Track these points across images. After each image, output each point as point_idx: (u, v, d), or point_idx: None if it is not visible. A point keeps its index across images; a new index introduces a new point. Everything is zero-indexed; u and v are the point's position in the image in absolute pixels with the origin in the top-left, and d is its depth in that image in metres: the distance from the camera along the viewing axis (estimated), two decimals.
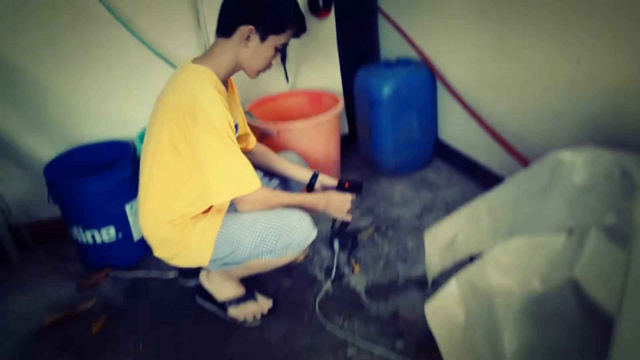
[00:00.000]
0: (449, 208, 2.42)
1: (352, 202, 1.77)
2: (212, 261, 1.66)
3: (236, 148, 1.52)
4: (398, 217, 2.43)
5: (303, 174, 1.93)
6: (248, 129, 1.92)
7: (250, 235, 1.57)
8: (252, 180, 1.56)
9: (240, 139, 1.87)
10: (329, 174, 2.57)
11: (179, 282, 2.10)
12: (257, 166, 1.95)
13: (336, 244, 2.14)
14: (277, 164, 1.94)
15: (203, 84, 1.48)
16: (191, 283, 2.06)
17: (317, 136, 2.44)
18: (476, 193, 1.69)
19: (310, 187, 1.96)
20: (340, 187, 1.92)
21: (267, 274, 2.06)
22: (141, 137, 2.34)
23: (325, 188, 1.92)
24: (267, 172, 1.98)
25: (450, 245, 1.61)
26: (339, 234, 1.99)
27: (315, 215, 1.79)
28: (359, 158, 2.97)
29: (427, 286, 1.95)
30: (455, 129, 2.70)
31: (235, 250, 1.60)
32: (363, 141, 2.87)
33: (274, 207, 1.62)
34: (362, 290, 1.99)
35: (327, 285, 2.02)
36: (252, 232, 1.57)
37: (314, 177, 1.91)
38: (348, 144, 3.03)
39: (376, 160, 2.79)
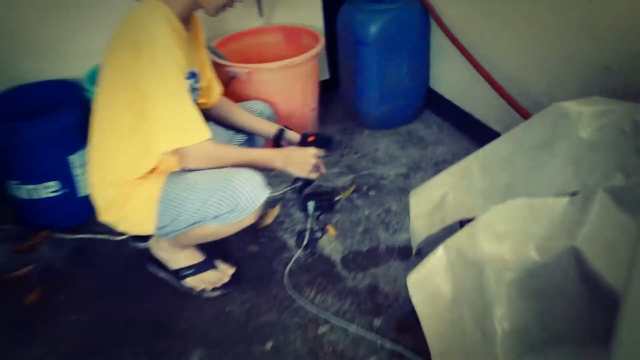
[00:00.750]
0: (439, 167, 2.41)
1: (318, 157, 1.74)
2: (158, 229, 1.65)
3: (182, 92, 1.48)
4: (381, 177, 2.42)
5: (267, 128, 1.93)
6: (213, 80, 1.86)
7: (190, 198, 1.56)
8: (198, 130, 1.52)
9: (202, 92, 1.82)
10: (305, 125, 2.53)
11: (130, 245, 2.07)
12: (221, 122, 1.93)
13: (311, 206, 2.12)
14: (240, 116, 1.92)
15: (153, 18, 1.43)
16: (142, 246, 2.04)
17: (293, 81, 2.39)
18: (470, 151, 1.68)
19: (276, 144, 1.94)
20: (303, 142, 1.89)
21: (230, 238, 2.04)
22: (91, 76, 2.23)
23: (291, 144, 1.96)
24: (232, 128, 1.96)
25: (438, 209, 1.58)
26: (301, 194, 1.98)
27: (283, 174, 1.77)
28: (340, 108, 2.96)
29: (411, 255, 1.95)
30: (449, 76, 2.66)
31: (177, 217, 1.60)
32: (345, 88, 2.83)
33: (224, 163, 1.60)
34: (337, 259, 1.99)
35: (298, 252, 2.01)
36: (192, 195, 1.56)
37: (280, 132, 1.92)
38: (328, 91, 3.00)
39: (359, 111, 2.77)
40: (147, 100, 1.45)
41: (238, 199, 1.54)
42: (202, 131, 1.52)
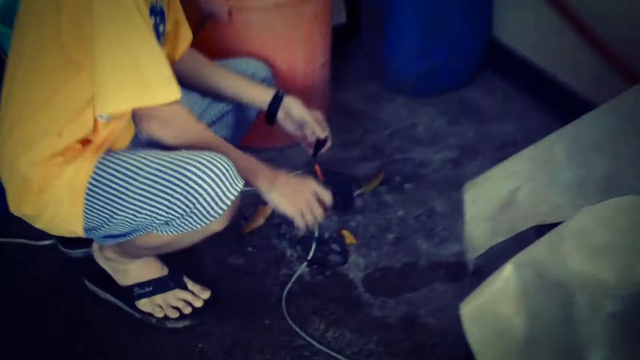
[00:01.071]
0: (505, 151, 2.36)
1: (318, 199, 1.72)
2: (88, 230, 1.66)
3: (145, 30, 1.48)
4: (421, 163, 2.40)
5: (256, 94, 1.93)
6: (182, 22, 1.86)
7: (129, 193, 1.57)
8: (166, 86, 1.51)
9: (166, 39, 1.82)
10: (310, 90, 2.53)
11: (60, 252, 2.08)
12: (190, 86, 1.90)
13: None
14: (215, 75, 1.92)
15: None
16: (77, 254, 2.06)
17: (295, 24, 2.37)
18: (550, 129, 1.66)
19: (270, 117, 1.92)
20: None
21: (205, 246, 2.04)
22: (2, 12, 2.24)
23: (295, 122, 1.93)
24: (206, 94, 1.96)
25: (505, 209, 1.59)
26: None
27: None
28: (361, 64, 2.93)
29: (466, 275, 1.95)
30: (523, 22, 2.65)
31: (112, 218, 1.61)
32: (369, 36, 2.81)
33: (198, 144, 1.60)
34: (358, 279, 1.99)
35: (302, 268, 2.02)
36: (132, 186, 1.56)
37: (276, 99, 1.91)
38: (345, 40, 2.98)
39: (390, 69, 2.74)
40: (93, 39, 1.44)
41: (196, 196, 1.52)
42: (170, 89, 1.52)
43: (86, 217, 1.62)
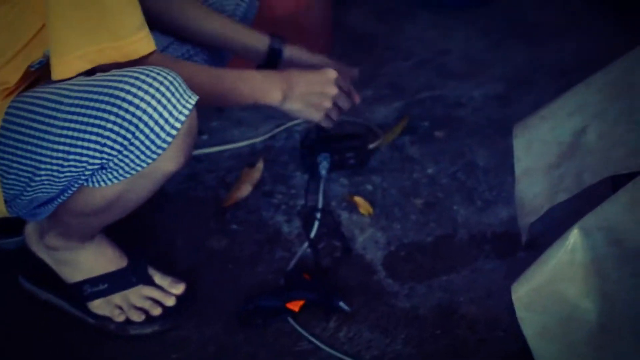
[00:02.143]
0: (566, 79, 2.35)
1: (340, 82, 1.83)
2: (9, 202, 1.66)
3: None
4: (457, 102, 2.42)
5: (250, 39, 1.97)
6: None
7: (49, 135, 1.55)
8: (137, 32, 1.53)
9: None
10: (306, 14, 2.52)
11: None
12: (156, 23, 1.90)
13: (324, 163, 2.12)
14: (195, 18, 1.94)
15: None
16: (8, 244, 2.07)
17: None
18: (627, 46, 1.65)
19: (269, 65, 1.96)
20: None
21: (176, 223, 2.06)
22: None
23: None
24: (179, 38, 1.98)
25: (569, 157, 1.59)
26: (316, 146, 2.04)
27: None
28: None
29: (518, 248, 1.96)
30: None
31: (34, 176, 1.60)
32: None
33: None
34: (377, 260, 2.01)
35: (303, 248, 2.04)
36: (52, 125, 1.55)
37: (274, 48, 1.96)
38: None
39: None
40: None
41: (134, 121, 1.50)
42: (141, 36, 1.53)
43: (4, 182, 1.62)
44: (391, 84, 2.51)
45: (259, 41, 1.97)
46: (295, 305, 1.88)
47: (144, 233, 2.06)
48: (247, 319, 1.89)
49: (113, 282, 1.89)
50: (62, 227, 1.82)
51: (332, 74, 1.82)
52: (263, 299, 1.91)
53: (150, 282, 1.91)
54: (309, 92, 1.79)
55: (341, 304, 1.86)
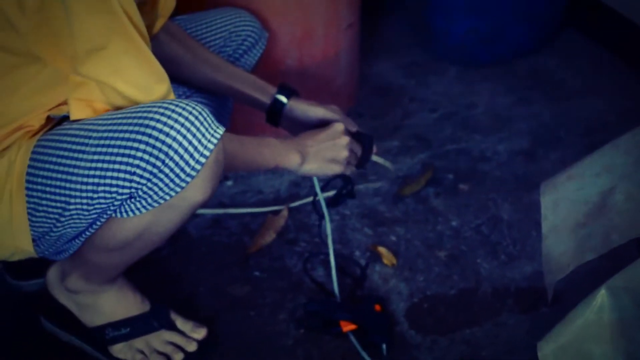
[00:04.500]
0: (593, 137, 2.40)
1: (353, 150, 1.86)
2: (38, 240, 1.67)
3: (137, 39, 1.53)
4: (482, 156, 2.42)
5: (253, 89, 1.97)
6: None
7: (79, 169, 1.57)
8: (156, 87, 1.58)
9: (141, 9, 1.83)
10: (333, 65, 2.54)
11: (7, 284, 2.09)
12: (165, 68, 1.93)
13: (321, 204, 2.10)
14: (198, 62, 1.96)
15: None
16: (31, 286, 2.07)
17: None
18: None
19: (272, 117, 1.96)
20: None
21: (199, 271, 2.07)
22: None
23: (302, 125, 1.96)
24: (184, 81, 1.99)
25: (596, 217, 1.59)
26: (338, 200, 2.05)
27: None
28: (401, 25, 2.96)
29: (544, 303, 1.96)
30: None
31: (64, 211, 1.61)
32: None
33: None
34: (400, 311, 2.01)
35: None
36: (82, 159, 1.57)
37: (277, 101, 1.95)
38: None
39: (438, 29, 2.77)
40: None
41: (164, 149, 1.51)
42: (162, 88, 1.58)
43: (33, 220, 1.63)
44: (416, 135, 2.52)
45: (263, 93, 1.97)
46: (347, 326, 1.92)
47: (167, 278, 2.06)
48: (303, 320, 1.97)
49: (135, 327, 1.89)
50: (84, 268, 1.82)
51: (339, 126, 1.85)
52: (325, 306, 1.98)
53: (172, 327, 1.91)
54: (323, 149, 1.82)
55: (384, 347, 1.89)
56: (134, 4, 1.53)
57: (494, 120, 2.56)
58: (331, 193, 2.06)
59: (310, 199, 2.19)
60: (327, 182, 2.02)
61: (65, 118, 1.67)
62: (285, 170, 1.82)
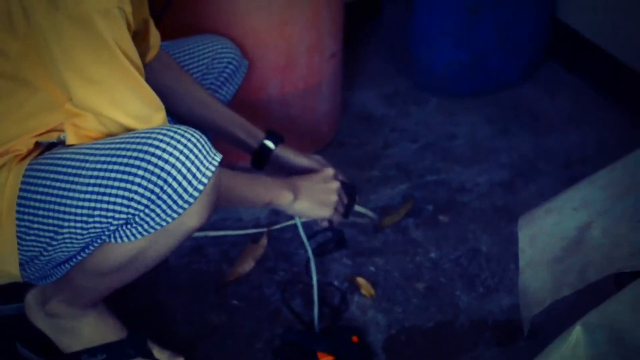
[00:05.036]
0: (572, 170, 2.42)
1: (341, 196, 1.94)
2: (25, 264, 1.67)
3: (133, 72, 1.55)
4: (461, 187, 2.43)
5: (243, 132, 2.02)
6: (149, 20, 1.89)
7: (74, 193, 1.56)
8: (155, 116, 1.59)
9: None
10: (315, 94, 2.54)
11: None
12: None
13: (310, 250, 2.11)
14: (190, 100, 1.99)
15: None
16: (7, 310, 2.06)
17: (293, 2, 2.38)
18: (633, 141, 1.67)
19: (258, 161, 2.00)
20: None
21: (177, 297, 2.07)
22: None
23: (286, 172, 2.02)
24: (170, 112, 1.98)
25: (573, 252, 1.59)
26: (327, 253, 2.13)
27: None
28: (382, 55, 2.96)
29: (520, 337, 1.96)
30: (596, 0, 2.68)
31: (56, 235, 1.61)
32: (393, 16, 2.85)
33: None
34: (378, 343, 2.01)
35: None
36: (77, 183, 1.56)
37: (267, 145, 2.00)
38: (362, 20, 3.02)
39: (420, 59, 2.78)
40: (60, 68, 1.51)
41: (163, 176, 1.51)
42: (159, 117, 1.61)
43: (22, 244, 1.62)
44: (397, 165, 2.53)
45: (254, 137, 2.01)
46: (324, 357, 1.92)
47: (145, 304, 2.06)
48: (280, 350, 1.97)
49: (111, 353, 1.88)
50: (68, 292, 1.82)
51: (329, 171, 1.94)
52: (303, 336, 1.98)
53: (149, 355, 1.90)
54: (315, 190, 1.90)
55: None
56: (129, 37, 1.55)
57: (474, 152, 2.57)
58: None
59: (291, 222, 2.20)
60: (314, 233, 2.08)
61: (53, 145, 1.67)
62: (276, 207, 1.87)
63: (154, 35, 1.92)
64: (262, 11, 2.35)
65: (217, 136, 2.02)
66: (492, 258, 2.21)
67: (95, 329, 1.89)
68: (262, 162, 2.01)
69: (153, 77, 1.90)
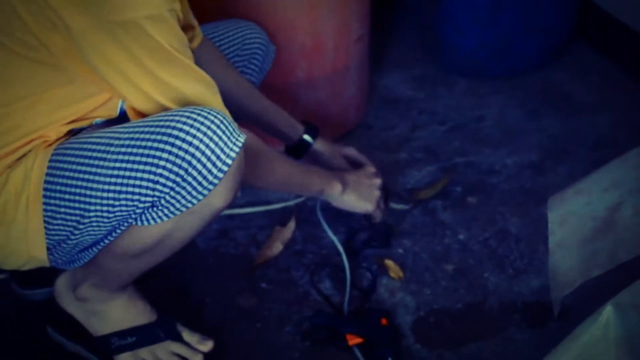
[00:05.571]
0: (602, 152, 2.41)
1: (381, 192, 2.09)
2: (52, 249, 1.68)
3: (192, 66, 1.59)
4: (490, 169, 2.43)
5: (285, 124, 2.10)
6: (188, 12, 1.91)
7: (99, 176, 1.57)
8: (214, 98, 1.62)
9: None
10: (343, 77, 2.54)
11: (14, 293, 2.10)
12: None
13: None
14: (235, 91, 2.00)
15: None
16: (38, 295, 2.08)
17: None
18: None
19: (295, 152, 2.10)
20: None
21: (206, 281, 2.08)
22: None
23: (320, 164, 2.13)
24: None
25: (603, 232, 1.59)
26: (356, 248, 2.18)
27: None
28: (410, 37, 2.96)
29: (550, 318, 1.96)
30: None
31: (82, 219, 1.61)
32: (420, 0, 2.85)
33: (259, 175, 1.78)
34: (406, 325, 2.01)
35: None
36: (103, 167, 1.57)
37: (305, 140, 2.11)
38: (389, 5, 3.03)
39: (447, 42, 2.79)
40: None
41: (188, 158, 1.52)
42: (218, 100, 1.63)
43: (49, 228, 1.63)
44: (425, 148, 2.53)
45: (293, 130, 2.10)
46: (353, 340, 1.93)
47: (174, 288, 2.08)
48: (309, 333, 1.99)
49: (141, 336, 1.89)
50: (98, 276, 1.83)
51: (371, 168, 2.11)
52: (332, 319, 2.00)
53: (179, 338, 1.91)
54: (361, 185, 2.06)
55: None
56: (181, 34, 1.58)
57: (503, 134, 2.57)
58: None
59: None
60: (356, 230, 2.19)
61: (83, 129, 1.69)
62: (325, 197, 2.00)
63: (196, 23, 1.95)
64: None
65: (257, 126, 2.05)
66: (521, 239, 2.20)
67: (125, 312, 1.90)
68: (299, 154, 2.10)
69: (200, 66, 1.94)
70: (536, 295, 2.04)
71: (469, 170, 2.44)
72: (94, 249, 1.73)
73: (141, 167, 1.53)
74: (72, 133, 1.69)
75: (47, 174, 1.62)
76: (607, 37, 2.80)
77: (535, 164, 2.44)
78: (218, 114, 1.55)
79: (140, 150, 1.53)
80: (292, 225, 2.27)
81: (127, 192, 1.56)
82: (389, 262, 2.15)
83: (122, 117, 1.66)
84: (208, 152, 1.52)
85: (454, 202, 2.34)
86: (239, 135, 1.56)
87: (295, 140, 2.08)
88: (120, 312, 1.90)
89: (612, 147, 2.39)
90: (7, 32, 1.53)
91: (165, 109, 1.56)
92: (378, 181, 2.09)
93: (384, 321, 1.96)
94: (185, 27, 1.90)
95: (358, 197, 2.04)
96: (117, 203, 1.57)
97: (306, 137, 2.08)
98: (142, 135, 1.54)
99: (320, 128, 2.13)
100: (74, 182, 1.59)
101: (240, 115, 1.99)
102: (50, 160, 1.62)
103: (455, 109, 2.69)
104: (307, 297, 2.10)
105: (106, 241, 1.70)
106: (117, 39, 1.47)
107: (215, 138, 1.53)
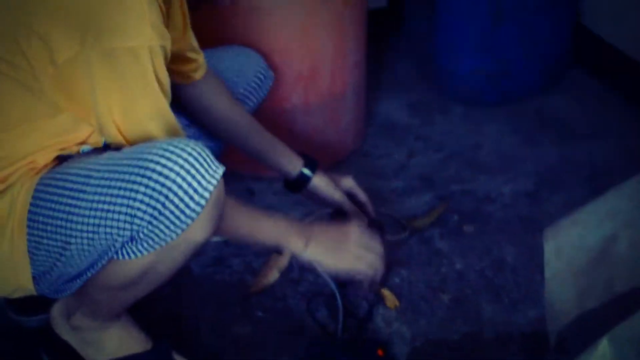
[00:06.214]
0: (598, 181, 2.41)
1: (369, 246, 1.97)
2: (38, 278, 1.68)
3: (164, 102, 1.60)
4: (487, 197, 2.43)
5: (284, 159, 2.08)
6: (191, 36, 1.93)
7: (79, 208, 1.58)
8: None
9: (176, 59, 1.86)
10: (339, 102, 2.55)
11: (10, 318, 2.09)
12: (197, 117, 2.00)
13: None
14: (235, 124, 2.03)
15: None
16: (33, 322, 2.08)
17: (316, 11, 2.39)
18: None
19: (294, 187, 2.08)
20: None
21: (199, 306, 2.07)
22: None
23: (318, 199, 2.13)
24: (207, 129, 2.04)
25: (600, 264, 1.59)
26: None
27: None
28: (407, 64, 2.97)
29: (546, 349, 1.90)
30: (620, 6, 2.68)
31: (64, 250, 1.62)
32: (417, 25, 2.87)
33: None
34: (402, 355, 2.00)
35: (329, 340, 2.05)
36: (83, 199, 1.58)
37: (304, 175, 2.08)
38: (386, 30, 3.04)
39: (444, 68, 2.80)
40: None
41: (164, 191, 1.52)
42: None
43: (33, 259, 1.64)
44: (421, 175, 2.53)
45: (292, 164, 2.07)
46: None
47: (169, 316, 2.07)
48: None
49: None
50: (89, 305, 1.83)
51: (355, 228, 1.96)
52: (328, 348, 1.98)
53: None
54: (330, 238, 1.94)
55: None
56: (164, 69, 1.58)
57: (499, 161, 2.57)
58: None
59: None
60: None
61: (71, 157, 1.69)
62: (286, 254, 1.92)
63: (201, 55, 1.96)
64: (287, 19, 2.37)
65: (257, 159, 2.07)
66: (518, 269, 2.20)
67: (120, 341, 1.90)
68: (297, 188, 2.08)
69: (200, 95, 1.96)
70: (533, 326, 2.03)
71: (465, 198, 2.44)
72: (79, 280, 1.72)
73: (119, 200, 1.53)
74: (60, 159, 1.69)
75: (31, 204, 1.62)
76: (602, 63, 2.82)
77: (531, 193, 2.44)
78: (196, 145, 1.55)
79: (118, 184, 1.54)
80: (288, 252, 2.26)
81: (105, 225, 1.56)
82: (386, 292, 2.14)
83: (109, 145, 1.67)
84: (185, 186, 1.53)
85: (450, 230, 2.33)
86: (217, 168, 1.56)
87: (295, 174, 2.07)
88: (115, 341, 1.89)
89: (608, 176, 2.40)
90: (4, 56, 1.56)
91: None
92: (355, 231, 1.97)
93: (379, 352, 1.95)
94: (189, 58, 1.92)
95: (325, 253, 1.92)
96: (96, 236, 1.58)
97: (305, 170, 2.07)
98: (119, 168, 1.55)
99: (316, 155, 2.12)
100: (56, 214, 1.60)
101: (241, 148, 2.00)
102: (35, 191, 1.63)
103: (451, 135, 2.70)
104: (303, 325, 2.09)
105: (91, 272, 1.69)
106: (107, 65, 1.51)
107: (193, 171, 1.53)
